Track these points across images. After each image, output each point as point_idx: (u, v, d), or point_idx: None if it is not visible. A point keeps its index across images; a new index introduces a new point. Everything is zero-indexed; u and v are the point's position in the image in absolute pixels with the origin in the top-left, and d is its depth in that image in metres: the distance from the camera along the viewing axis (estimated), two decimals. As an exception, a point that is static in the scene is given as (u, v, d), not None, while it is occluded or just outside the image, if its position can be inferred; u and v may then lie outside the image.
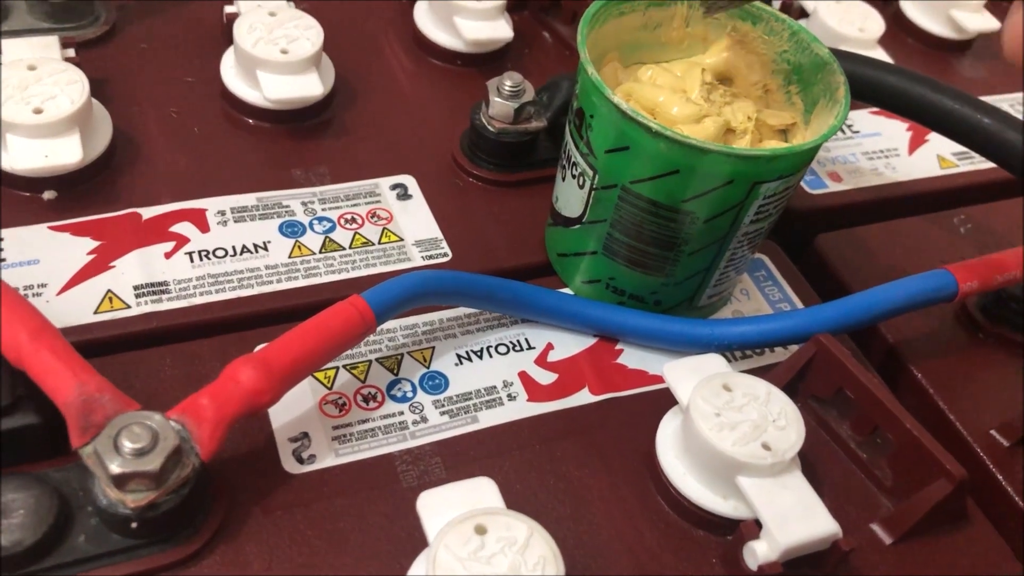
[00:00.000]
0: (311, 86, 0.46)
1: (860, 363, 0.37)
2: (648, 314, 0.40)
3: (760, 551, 0.32)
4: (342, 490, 0.34)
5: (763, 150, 0.35)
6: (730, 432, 0.33)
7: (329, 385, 0.37)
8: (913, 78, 0.43)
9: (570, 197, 0.40)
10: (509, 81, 0.45)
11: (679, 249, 0.38)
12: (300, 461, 0.34)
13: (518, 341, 0.40)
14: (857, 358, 0.39)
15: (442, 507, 0.30)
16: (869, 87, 0.43)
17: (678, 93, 0.39)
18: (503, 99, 0.45)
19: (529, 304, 0.39)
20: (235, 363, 0.32)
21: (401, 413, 0.36)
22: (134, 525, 0.29)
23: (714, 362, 0.37)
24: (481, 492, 0.31)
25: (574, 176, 0.39)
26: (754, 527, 0.33)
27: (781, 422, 0.34)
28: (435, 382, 0.38)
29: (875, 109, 0.56)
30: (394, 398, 0.37)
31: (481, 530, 0.29)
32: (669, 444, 0.36)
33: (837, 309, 0.39)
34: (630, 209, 0.37)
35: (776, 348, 0.42)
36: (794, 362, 0.38)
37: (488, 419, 0.37)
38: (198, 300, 0.39)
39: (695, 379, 0.35)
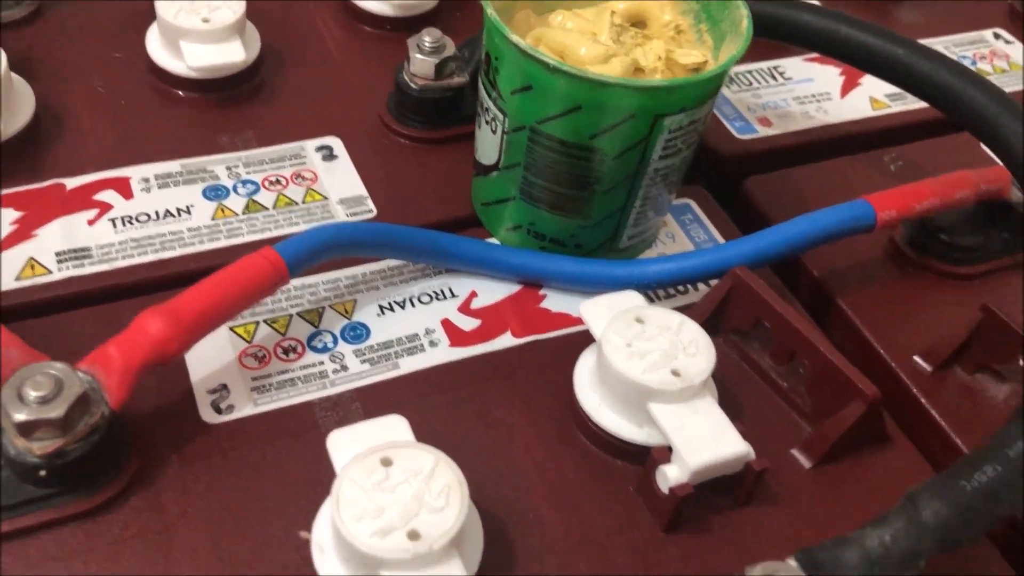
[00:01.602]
0: (233, 53, 0.46)
1: (777, 293, 0.37)
2: (568, 258, 0.40)
3: (671, 474, 0.32)
4: (260, 438, 0.34)
5: (661, 81, 0.35)
6: (640, 360, 0.34)
7: (249, 339, 0.37)
8: (828, 15, 0.43)
9: (486, 144, 0.40)
10: (428, 37, 0.45)
11: (592, 188, 0.38)
12: (218, 411, 0.35)
13: (441, 291, 0.40)
14: (777, 290, 0.40)
15: (352, 444, 0.31)
16: (783, 26, 0.43)
17: (587, 35, 0.39)
18: (424, 55, 0.45)
19: (448, 252, 0.40)
20: (143, 314, 0.32)
21: (321, 363, 0.37)
22: (43, 473, 0.30)
23: (630, 298, 0.37)
24: (391, 429, 0.32)
25: (487, 122, 0.39)
26: (666, 452, 0.33)
27: (692, 349, 0.34)
28: (356, 332, 0.38)
29: (809, 56, 0.56)
30: (315, 349, 0.37)
31: (387, 462, 0.30)
32: (586, 379, 0.36)
33: (755, 242, 0.40)
34: (541, 151, 0.37)
35: (700, 286, 0.42)
36: (713, 296, 0.39)
37: (409, 365, 0.37)
38: (120, 263, 0.39)
39: (611, 315, 0.36)
